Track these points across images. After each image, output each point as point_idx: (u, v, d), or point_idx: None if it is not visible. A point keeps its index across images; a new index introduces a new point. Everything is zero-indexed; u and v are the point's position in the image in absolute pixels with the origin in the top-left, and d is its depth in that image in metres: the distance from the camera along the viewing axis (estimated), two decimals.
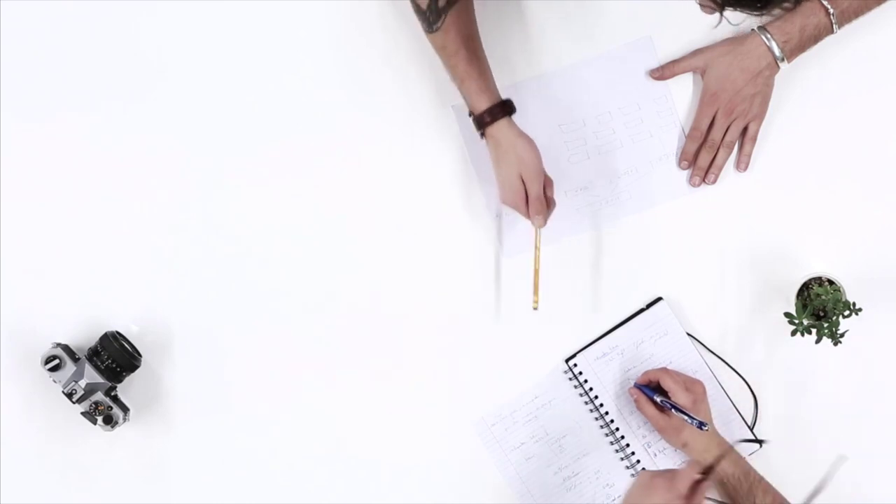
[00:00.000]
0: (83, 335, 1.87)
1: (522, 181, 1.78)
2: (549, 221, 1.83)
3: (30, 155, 1.90)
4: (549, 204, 1.82)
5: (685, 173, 1.91)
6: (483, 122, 1.77)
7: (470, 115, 1.79)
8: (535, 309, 1.84)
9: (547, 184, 1.81)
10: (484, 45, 1.80)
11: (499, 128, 1.77)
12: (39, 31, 1.90)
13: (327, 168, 1.90)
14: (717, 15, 1.47)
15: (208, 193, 1.90)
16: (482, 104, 1.76)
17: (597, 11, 1.89)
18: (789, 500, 1.80)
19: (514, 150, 1.77)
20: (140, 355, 1.87)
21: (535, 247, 1.83)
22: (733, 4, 1.44)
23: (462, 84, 1.77)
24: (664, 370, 1.86)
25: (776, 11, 1.45)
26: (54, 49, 1.90)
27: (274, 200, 1.90)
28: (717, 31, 1.86)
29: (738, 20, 1.55)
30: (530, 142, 1.78)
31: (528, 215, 1.80)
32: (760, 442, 1.88)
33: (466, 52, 1.75)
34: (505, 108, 1.77)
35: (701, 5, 1.50)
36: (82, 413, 1.82)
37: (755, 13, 1.45)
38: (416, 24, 1.83)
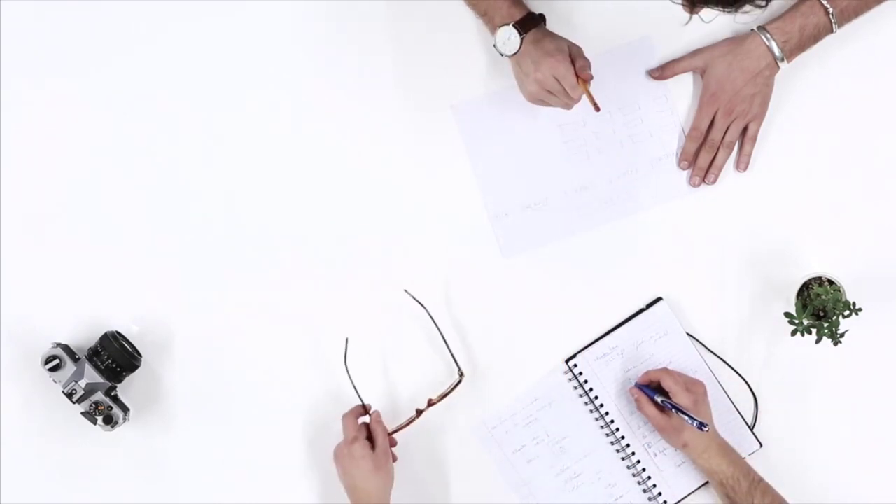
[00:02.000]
0: (83, 335, 1.88)
1: (569, 54, 1.78)
2: (549, 219, 1.85)
3: (30, 156, 1.90)
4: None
5: (685, 173, 1.91)
6: (526, 27, 1.77)
7: (502, 27, 1.77)
8: (599, 110, 1.81)
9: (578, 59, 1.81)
10: (485, 44, 1.82)
11: (539, 29, 1.78)
12: (38, 30, 1.90)
13: (327, 169, 1.90)
14: (700, 14, 1.47)
15: (208, 194, 1.91)
16: (519, 14, 1.78)
17: (597, 11, 1.89)
18: (789, 500, 1.80)
19: (556, 37, 1.78)
20: (140, 355, 1.87)
21: (589, 94, 1.80)
22: (705, 2, 1.44)
23: (494, 3, 1.78)
24: (665, 370, 1.86)
25: (747, 8, 1.45)
26: (52, 55, 1.90)
27: (274, 202, 1.90)
28: (717, 32, 1.87)
29: (710, 17, 1.56)
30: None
31: (575, 82, 1.78)
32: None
33: None
34: (538, 15, 1.80)
35: (682, 4, 1.50)
36: (82, 413, 1.82)
37: (727, 10, 1.45)
38: (416, 24, 1.84)
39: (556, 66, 1.76)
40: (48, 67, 1.90)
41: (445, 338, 1.88)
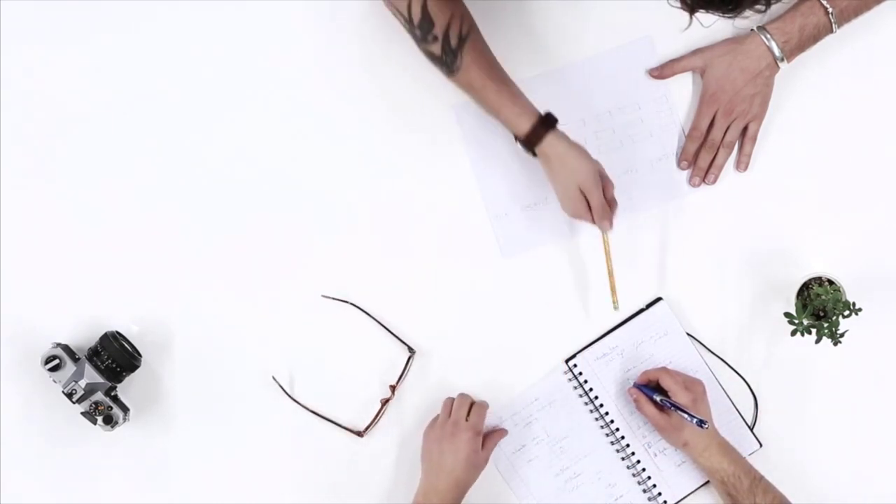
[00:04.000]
0: (83, 335, 1.88)
1: (582, 192, 1.77)
2: (549, 219, 1.85)
3: (30, 156, 1.90)
4: (611, 206, 1.80)
5: (685, 173, 1.91)
6: (532, 143, 1.75)
7: (516, 141, 1.77)
8: (616, 309, 1.84)
9: (606, 186, 1.79)
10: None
11: (548, 144, 1.75)
12: (37, 30, 1.90)
13: (327, 169, 1.91)
14: (699, 17, 1.47)
15: (209, 195, 1.91)
16: (525, 126, 1.75)
17: (597, 11, 1.89)
18: (789, 499, 1.80)
19: (568, 163, 1.76)
20: (140, 355, 1.88)
21: (606, 252, 1.83)
22: (704, 6, 1.44)
23: (499, 114, 1.75)
24: (663, 369, 1.86)
25: (747, 13, 1.45)
26: (51, 57, 1.91)
27: (273, 203, 1.90)
28: (717, 32, 1.87)
29: (709, 22, 1.56)
30: (581, 151, 1.76)
31: (593, 222, 1.79)
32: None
33: (493, 82, 1.74)
34: (547, 123, 1.76)
35: (681, 8, 1.50)
36: (82, 413, 1.82)
37: (727, 16, 1.45)
38: None
39: (573, 213, 1.79)
40: (48, 67, 1.90)
41: (383, 323, 1.89)
